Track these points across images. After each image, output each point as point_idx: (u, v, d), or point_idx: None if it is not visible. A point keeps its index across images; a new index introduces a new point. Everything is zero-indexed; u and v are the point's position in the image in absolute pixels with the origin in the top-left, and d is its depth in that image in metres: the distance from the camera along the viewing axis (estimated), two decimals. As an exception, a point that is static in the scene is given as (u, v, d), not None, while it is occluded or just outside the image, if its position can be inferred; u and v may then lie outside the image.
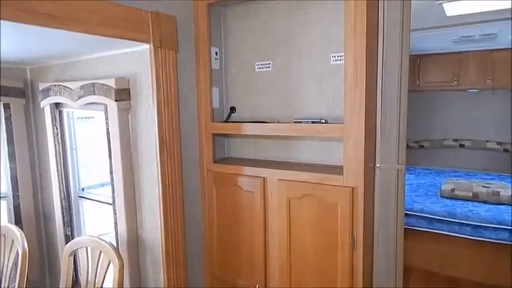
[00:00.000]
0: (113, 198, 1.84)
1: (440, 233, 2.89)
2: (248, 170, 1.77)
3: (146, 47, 1.63)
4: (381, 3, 1.57)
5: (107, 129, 1.80)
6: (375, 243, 1.69)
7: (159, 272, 1.77)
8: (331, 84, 1.68)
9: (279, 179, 1.66)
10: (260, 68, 1.90)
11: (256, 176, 1.74)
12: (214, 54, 1.95)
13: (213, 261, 1.95)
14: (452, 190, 3.18)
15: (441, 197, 3.22)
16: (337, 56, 1.66)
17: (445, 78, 4.01)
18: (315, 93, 1.74)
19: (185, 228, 1.83)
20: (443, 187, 3.26)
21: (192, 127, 1.88)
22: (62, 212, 2.16)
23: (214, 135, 1.91)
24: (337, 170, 1.58)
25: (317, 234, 1.58)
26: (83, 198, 2.22)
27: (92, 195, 2.20)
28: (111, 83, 1.72)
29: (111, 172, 1.82)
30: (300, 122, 1.66)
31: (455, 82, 3.95)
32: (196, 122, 1.90)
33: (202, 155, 1.91)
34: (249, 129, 1.77)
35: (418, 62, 4.09)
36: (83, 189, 2.24)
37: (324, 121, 1.63)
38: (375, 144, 1.63)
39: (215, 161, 1.91)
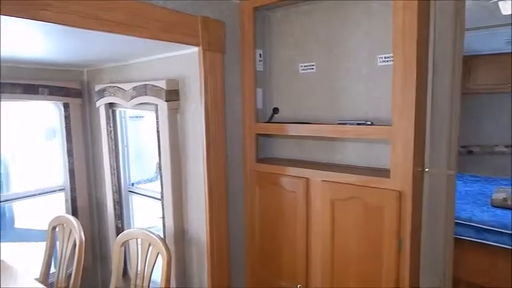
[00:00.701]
0: (162, 193, 1.93)
1: (490, 244, 2.72)
2: (291, 170, 1.79)
3: (195, 49, 1.70)
4: (432, 2, 1.53)
5: (157, 128, 1.90)
6: (422, 252, 1.64)
7: (203, 266, 1.83)
8: (378, 85, 1.66)
9: (322, 180, 1.66)
10: (304, 69, 1.91)
11: (299, 177, 1.75)
12: (259, 56, 1.99)
13: (254, 260, 1.98)
14: (505, 199, 2.98)
15: (492, 206, 3.03)
16: (385, 58, 1.64)
17: (497, 81, 3.78)
18: (360, 95, 1.72)
19: (228, 226, 1.88)
20: (494, 196, 3.07)
21: (237, 127, 1.93)
22: (114, 205, 2.31)
23: (258, 135, 1.95)
24: (383, 173, 1.55)
25: (361, 237, 1.56)
26: (132, 193, 2.35)
27: (140, 190, 2.33)
28: (162, 84, 1.81)
29: (160, 168, 1.91)
30: (345, 124, 1.65)
31: (509, 85, 3.71)
32: (241, 122, 1.95)
33: (246, 155, 1.96)
34: (293, 129, 1.79)
35: (467, 63, 3.89)
36: (132, 184, 2.37)
37: (369, 123, 1.61)
38: (423, 148, 1.59)
39: (258, 161, 1.95)
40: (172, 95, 1.82)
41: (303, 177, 1.74)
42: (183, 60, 1.81)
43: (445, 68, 1.57)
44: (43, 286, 1.70)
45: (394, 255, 1.47)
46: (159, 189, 1.97)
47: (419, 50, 1.40)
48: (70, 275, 1.96)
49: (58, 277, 2.04)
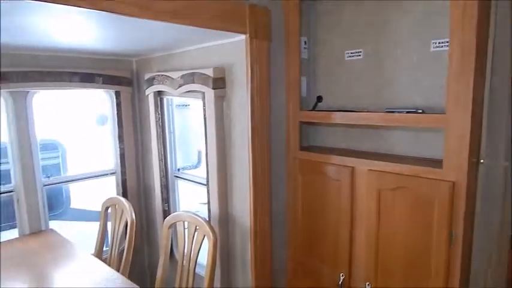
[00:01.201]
0: (207, 178, 2.00)
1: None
2: (335, 159, 1.77)
3: (241, 37, 1.72)
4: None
5: (204, 116, 1.96)
6: (473, 248, 1.57)
7: (247, 249, 1.88)
8: (429, 72, 1.59)
9: (369, 169, 1.64)
10: (350, 56, 1.87)
11: (344, 165, 1.73)
12: (303, 44, 1.97)
13: (296, 246, 2.00)
14: None
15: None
16: (439, 43, 1.56)
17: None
18: (409, 82, 1.66)
19: (271, 211, 1.91)
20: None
21: (281, 115, 1.94)
22: (161, 189, 2.42)
23: (301, 123, 1.95)
24: (434, 163, 1.49)
25: (409, 228, 1.52)
26: (178, 178, 2.45)
27: (186, 175, 2.42)
28: (209, 72, 1.85)
29: (206, 155, 1.98)
30: (393, 112, 1.60)
31: None
32: (285, 110, 1.95)
33: (289, 142, 1.96)
34: (339, 118, 1.76)
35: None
36: (178, 170, 2.47)
37: (420, 111, 1.55)
38: (479, 138, 1.51)
39: (301, 149, 1.95)
40: (219, 83, 1.86)
41: (348, 166, 1.72)
42: (230, 48, 1.84)
43: (506, 54, 1.47)
44: (102, 262, 1.83)
45: (444, 249, 1.42)
46: (204, 175, 2.03)
47: (478, 35, 1.32)
48: (121, 252, 2.10)
49: (111, 254, 2.19)
